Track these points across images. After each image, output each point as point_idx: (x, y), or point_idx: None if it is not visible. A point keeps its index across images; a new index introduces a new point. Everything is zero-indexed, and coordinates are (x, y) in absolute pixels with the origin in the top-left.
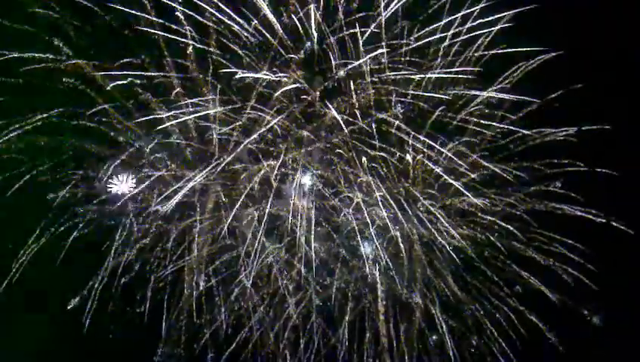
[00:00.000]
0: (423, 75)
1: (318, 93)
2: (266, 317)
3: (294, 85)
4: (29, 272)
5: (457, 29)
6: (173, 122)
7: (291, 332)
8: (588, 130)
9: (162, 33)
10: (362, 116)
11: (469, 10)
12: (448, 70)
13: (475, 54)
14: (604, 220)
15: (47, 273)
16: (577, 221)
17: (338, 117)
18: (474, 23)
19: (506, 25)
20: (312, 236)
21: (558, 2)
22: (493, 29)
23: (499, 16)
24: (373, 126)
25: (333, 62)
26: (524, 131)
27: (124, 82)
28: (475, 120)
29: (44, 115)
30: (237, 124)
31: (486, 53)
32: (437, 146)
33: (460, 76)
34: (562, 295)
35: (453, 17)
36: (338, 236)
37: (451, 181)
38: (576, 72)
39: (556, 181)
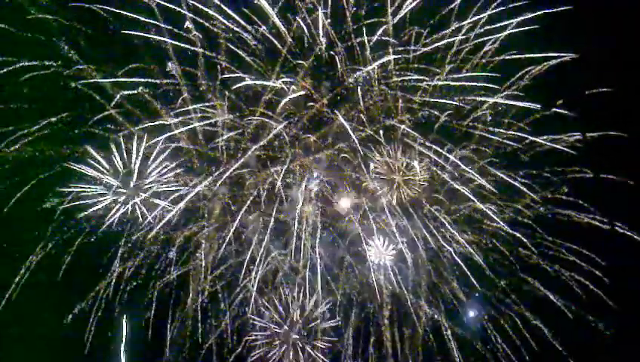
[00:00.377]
0: (437, 82)
1: (325, 100)
2: (271, 322)
3: (302, 92)
4: (35, 279)
5: (467, 35)
6: (183, 130)
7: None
8: (594, 137)
9: (171, 41)
10: (369, 122)
11: (475, 18)
12: (461, 76)
13: (483, 60)
14: (609, 226)
15: (53, 279)
16: (585, 228)
17: (346, 124)
18: (481, 30)
19: (514, 30)
20: (318, 241)
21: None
22: (500, 35)
23: (506, 23)
24: (381, 133)
25: (340, 69)
26: (531, 137)
27: (135, 92)
28: (483, 126)
29: (52, 120)
30: (245, 130)
31: (493, 59)
32: (444, 152)
33: (471, 83)
34: (569, 301)
35: (462, 24)
36: (343, 242)
37: (458, 186)
38: (579, 76)
39: (563, 187)
